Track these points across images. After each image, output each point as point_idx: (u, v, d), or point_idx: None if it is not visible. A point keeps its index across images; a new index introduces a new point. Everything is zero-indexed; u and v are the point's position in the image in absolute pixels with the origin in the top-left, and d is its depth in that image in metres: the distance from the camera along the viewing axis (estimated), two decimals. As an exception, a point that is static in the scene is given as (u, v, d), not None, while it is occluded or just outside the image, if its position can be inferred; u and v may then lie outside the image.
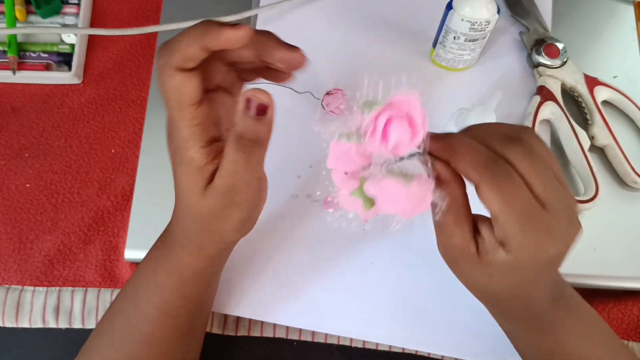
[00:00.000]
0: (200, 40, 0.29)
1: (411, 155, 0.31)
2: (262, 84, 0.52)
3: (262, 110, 0.31)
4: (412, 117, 0.28)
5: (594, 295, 0.48)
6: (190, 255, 0.36)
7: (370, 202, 0.30)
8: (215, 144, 0.32)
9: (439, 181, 0.31)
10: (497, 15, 0.47)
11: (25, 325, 0.46)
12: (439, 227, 0.32)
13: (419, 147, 0.31)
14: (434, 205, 0.31)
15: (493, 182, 0.28)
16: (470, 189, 0.31)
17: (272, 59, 0.31)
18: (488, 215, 0.30)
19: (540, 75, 0.52)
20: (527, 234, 0.28)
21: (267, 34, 0.31)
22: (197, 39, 0.29)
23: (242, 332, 0.46)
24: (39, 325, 0.46)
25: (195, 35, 0.29)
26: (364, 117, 0.29)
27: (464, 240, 0.31)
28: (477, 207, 0.31)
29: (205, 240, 0.36)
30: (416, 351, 0.45)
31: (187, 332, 0.41)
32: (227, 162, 0.31)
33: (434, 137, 0.31)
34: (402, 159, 0.30)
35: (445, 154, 0.30)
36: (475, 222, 0.31)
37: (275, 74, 0.35)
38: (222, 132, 0.34)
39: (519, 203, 0.28)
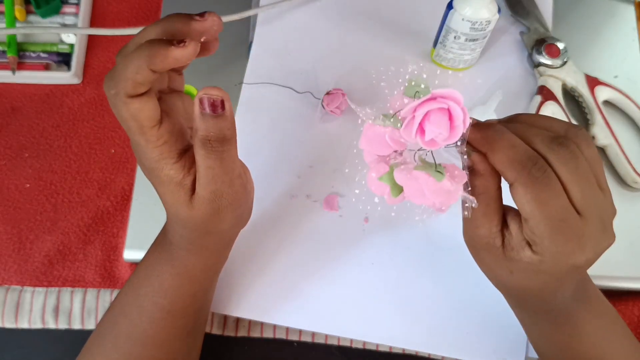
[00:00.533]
0: (149, 65, 0.28)
1: (449, 145, 0.30)
2: (262, 83, 0.52)
3: (219, 106, 0.30)
4: (453, 115, 0.28)
5: (595, 295, 0.48)
6: (196, 256, 0.36)
7: (398, 189, 0.29)
8: (186, 154, 0.32)
9: (473, 172, 0.30)
10: (497, 15, 0.46)
11: (25, 325, 0.46)
12: (467, 219, 0.31)
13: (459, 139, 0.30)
14: (463, 201, 0.30)
15: (529, 185, 0.27)
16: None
17: (191, 37, 0.30)
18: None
19: (541, 75, 0.52)
20: (557, 240, 0.28)
21: (176, 17, 0.30)
22: (145, 64, 0.28)
23: (242, 333, 0.46)
24: (39, 325, 0.46)
25: (143, 60, 0.28)
26: (405, 101, 0.28)
27: (491, 233, 0.30)
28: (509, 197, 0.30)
29: (206, 240, 0.36)
30: (416, 352, 0.45)
31: (192, 330, 0.41)
32: (202, 169, 0.31)
33: (476, 126, 0.30)
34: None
35: (484, 147, 0.29)
36: (505, 215, 0.31)
37: (201, 48, 0.32)
38: (187, 134, 0.33)
39: (554, 210, 0.27)
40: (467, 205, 0.29)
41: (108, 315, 0.40)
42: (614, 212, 0.30)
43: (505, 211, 0.31)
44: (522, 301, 0.36)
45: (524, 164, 0.28)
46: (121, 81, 0.28)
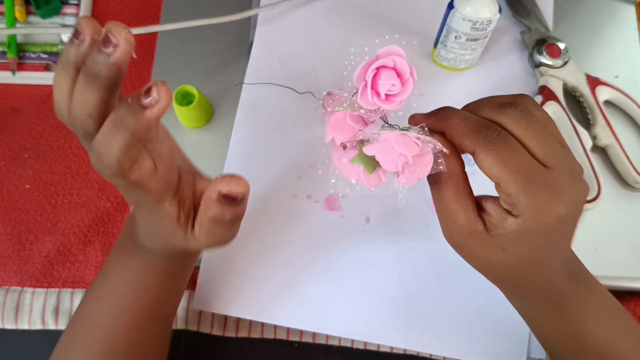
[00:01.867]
0: (135, 141, 0.26)
1: (406, 129, 0.30)
2: (263, 83, 0.52)
3: (240, 199, 0.30)
4: (399, 67, 0.29)
5: (596, 295, 0.48)
6: (175, 262, 0.38)
7: (371, 165, 0.30)
8: (179, 187, 0.32)
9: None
10: (498, 15, 0.46)
11: (25, 326, 0.46)
12: (440, 209, 0.31)
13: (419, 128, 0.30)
14: (435, 157, 0.30)
15: (488, 147, 0.28)
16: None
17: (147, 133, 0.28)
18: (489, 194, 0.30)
19: (542, 75, 0.52)
20: (531, 193, 0.27)
21: (124, 114, 0.27)
22: (131, 140, 0.26)
23: (242, 334, 0.46)
24: (39, 326, 0.46)
25: (127, 138, 0.26)
26: (354, 91, 0.30)
27: (469, 219, 0.30)
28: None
29: (189, 255, 0.38)
30: (418, 352, 0.45)
31: (162, 334, 0.41)
32: (206, 229, 0.32)
33: (428, 114, 0.31)
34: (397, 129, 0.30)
35: (441, 126, 0.30)
36: (479, 203, 0.31)
37: None
38: (174, 164, 0.33)
39: (518, 164, 0.27)
40: (440, 161, 0.30)
41: (79, 324, 0.38)
42: (580, 167, 0.30)
43: (477, 200, 0.31)
44: (521, 284, 0.34)
45: (479, 130, 0.28)
46: (113, 165, 0.27)
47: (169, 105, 0.26)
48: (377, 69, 0.29)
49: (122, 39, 0.25)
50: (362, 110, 0.30)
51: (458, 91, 0.53)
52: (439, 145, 0.29)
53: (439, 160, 0.30)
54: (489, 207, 0.30)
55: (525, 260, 0.31)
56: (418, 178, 0.30)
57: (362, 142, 0.30)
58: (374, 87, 0.29)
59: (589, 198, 0.47)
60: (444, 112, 0.30)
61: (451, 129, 0.30)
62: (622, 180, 0.50)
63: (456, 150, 0.30)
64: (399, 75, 0.29)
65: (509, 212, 0.29)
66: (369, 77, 0.29)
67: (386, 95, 0.29)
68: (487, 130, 0.28)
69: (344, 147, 0.31)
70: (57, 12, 0.56)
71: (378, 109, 0.30)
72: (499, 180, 0.28)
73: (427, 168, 0.29)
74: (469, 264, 0.33)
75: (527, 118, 0.28)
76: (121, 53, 0.26)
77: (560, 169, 0.28)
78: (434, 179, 0.31)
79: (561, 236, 0.31)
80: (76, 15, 0.56)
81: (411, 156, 0.29)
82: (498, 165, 0.28)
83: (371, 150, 0.29)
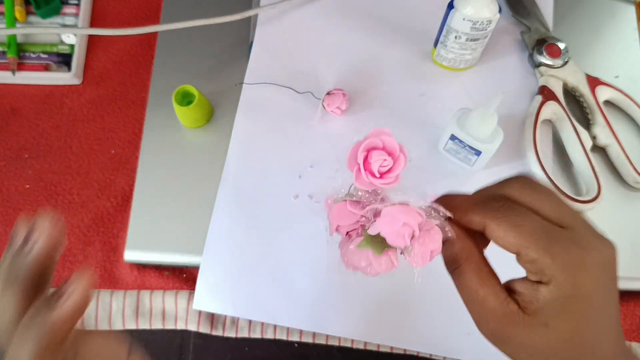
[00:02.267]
0: (47, 347, 0.22)
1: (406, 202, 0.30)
2: (263, 83, 0.52)
3: None
4: (387, 146, 0.29)
5: (596, 296, 0.48)
6: None
7: (379, 246, 0.30)
8: None
9: (449, 241, 0.29)
10: (498, 15, 0.46)
11: (25, 326, 0.46)
12: (468, 299, 0.29)
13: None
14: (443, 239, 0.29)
15: (498, 216, 0.27)
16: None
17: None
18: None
19: (542, 75, 0.52)
20: (555, 252, 0.26)
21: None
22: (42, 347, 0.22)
23: (242, 334, 0.46)
24: (39, 326, 0.46)
25: (36, 345, 0.22)
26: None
27: (501, 301, 0.27)
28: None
29: None
30: (418, 352, 0.45)
31: None
32: None
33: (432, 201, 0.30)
34: None
35: (447, 209, 0.29)
36: (507, 288, 0.28)
37: None
38: None
39: (534, 226, 0.26)
40: (447, 229, 0.29)
41: None
42: (599, 229, 0.28)
43: (505, 286, 0.29)
44: None
45: (485, 203, 0.28)
46: None
47: (87, 302, 0.22)
48: (367, 151, 0.29)
49: (42, 234, 0.23)
50: (360, 193, 0.31)
51: (458, 91, 0.53)
52: (443, 211, 0.29)
53: (447, 229, 0.29)
54: (517, 286, 0.28)
55: (573, 334, 0.27)
56: (430, 255, 0.29)
57: (366, 229, 0.30)
58: (366, 168, 0.29)
59: (588, 198, 0.47)
60: (447, 196, 0.30)
61: (457, 209, 0.29)
62: (622, 180, 0.50)
63: (467, 233, 0.29)
64: (389, 154, 0.29)
65: (539, 283, 0.27)
66: (360, 158, 0.29)
67: (380, 173, 0.29)
68: (492, 201, 0.27)
69: (349, 236, 0.31)
70: (57, 12, 0.56)
71: (377, 191, 0.30)
72: (517, 247, 0.26)
73: (436, 239, 0.28)
74: (512, 356, 0.29)
75: (531, 185, 0.28)
76: (38, 250, 0.23)
77: (578, 227, 0.27)
78: (453, 264, 0.29)
79: (603, 301, 0.27)
80: (76, 15, 0.56)
81: (416, 225, 0.28)
82: (513, 232, 0.26)
83: (375, 228, 0.29)
